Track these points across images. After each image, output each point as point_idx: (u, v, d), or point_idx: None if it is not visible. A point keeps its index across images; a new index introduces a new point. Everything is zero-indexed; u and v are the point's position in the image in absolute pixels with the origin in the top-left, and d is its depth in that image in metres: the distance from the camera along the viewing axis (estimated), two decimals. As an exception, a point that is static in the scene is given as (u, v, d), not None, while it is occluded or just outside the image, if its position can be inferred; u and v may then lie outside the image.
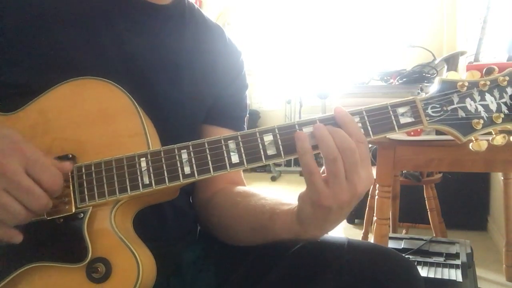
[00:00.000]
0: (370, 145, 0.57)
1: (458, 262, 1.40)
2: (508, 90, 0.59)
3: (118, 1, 0.71)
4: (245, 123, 0.84)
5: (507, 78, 0.59)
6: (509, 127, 0.58)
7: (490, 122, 0.58)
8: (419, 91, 1.31)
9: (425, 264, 1.41)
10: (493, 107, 0.59)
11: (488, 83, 0.59)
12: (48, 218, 0.57)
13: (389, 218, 1.65)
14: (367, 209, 2.19)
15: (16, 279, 0.56)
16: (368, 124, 0.57)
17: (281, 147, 0.57)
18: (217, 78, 0.79)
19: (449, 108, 0.58)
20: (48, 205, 0.54)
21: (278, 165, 4.87)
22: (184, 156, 0.57)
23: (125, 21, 0.71)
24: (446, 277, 1.32)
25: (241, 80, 0.85)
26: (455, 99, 0.59)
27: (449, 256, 1.45)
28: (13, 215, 0.52)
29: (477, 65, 1.40)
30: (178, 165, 0.57)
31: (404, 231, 2.39)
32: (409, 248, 1.52)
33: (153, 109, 0.64)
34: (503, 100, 0.59)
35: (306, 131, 0.56)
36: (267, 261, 0.66)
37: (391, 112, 0.58)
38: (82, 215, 0.57)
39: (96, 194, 0.58)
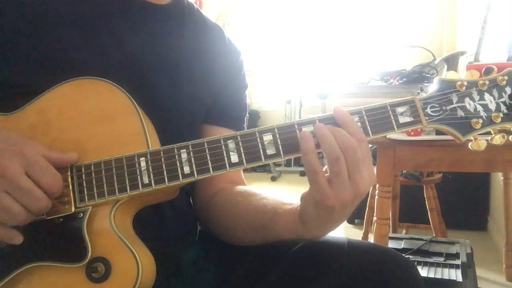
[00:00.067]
0: (370, 145, 0.57)
1: (458, 262, 1.40)
2: (507, 89, 0.59)
3: (118, 1, 0.72)
4: (245, 123, 0.84)
5: (506, 77, 0.59)
6: (508, 126, 0.58)
7: (489, 121, 0.58)
8: (419, 91, 1.31)
9: (425, 264, 1.41)
10: (492, 106, 0.59)
11: (487, 82, 0.59)
12: (48, 218, 0.57)
13: (389, 218, 1.65)
14: (367, 209, 2.19)
15: (16, 279, 0.57)
16: (367, 123, 0.57)
17: (280, 146, 0.57)
18: (216, 77, 0.80)
19: (448, 107, 0.58)
20: (48, 206, 0.55)
21: (278, 165, 4.87)
22: (184, 155, 0.57)
23: (125, 21, 0.71)
24: (446, 277, 1.32)
25: (240, 80, 0.85)
26: (454, 98, 0.59)
27: (449, 256, 1.45)
28: (13, 216, 0.53)
29: (477, 65, 1.40)
30: (178, 164, 0.57)
31: (404, 231, 2.39)
32: (409, 248, 1.52)
33: (152, 109, 0.64)
34: (502, 99, 0.59)
35: (306, 131, 0.56)
36: (267, 261, 0.66)
37: (390, 112, 0.58)
38: (81, 215, 0.57)
39: (95, 194, 0.58)
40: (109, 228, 0.57)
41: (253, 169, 4.77)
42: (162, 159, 0.57)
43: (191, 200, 0.83)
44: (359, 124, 0.57)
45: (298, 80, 4.91)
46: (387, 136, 1.18)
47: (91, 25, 0.69)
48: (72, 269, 0.56)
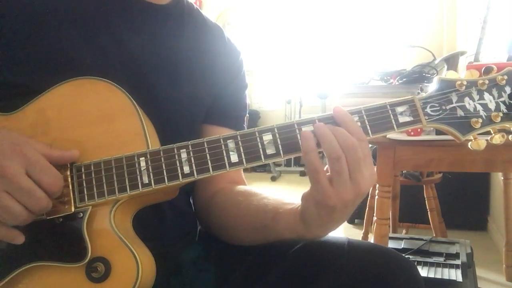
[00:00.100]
0: (370, 145, 0.57)
1: (458, 262, 1.40)
2: (507, 89, 0.59)
3: (118, 1, 0.72)
4: (245, 123, 0.84)
5: (505, 77, 0.59)
6: (507, 126, 0.58)
7: (488, 121, 0.58)
8: (419, 91, 1.31)
9: (425, 264, 1.41)
10: (492, 106, 0.59)
11: (487, 82, 0.59)
12: (48, 218, 0.57)
13: (389, 218, 1.65)
14: (367, 209, 2.19)
15: (16, 279, 0.57)
16: (367, 123, 0.57)
17: (280, 146, 0.57)
18: (216, 77, 0.80)
19: (448, 107, 0.58)
20: (49, 206, 0.55)
21: (278, 165, 4.87)
22: (184, 155, 0.57)
23: (125, 21, 0.71)
24: (446, 277, 1.31)
25: (240, 80, 0.85)
26: (454, 98, 0.59)
27: (449, 256, 1.45)
28: (14, 216, 0.53)
29: (477, 65, 1.39)
30: (178, 164, 0.57)
31: (404, 231, 2.39)
32: (409, 248, 1.52)
33: (152, 108, 0.64)
34: (502, 99, 0.59)
35: (307, 130, 0.56)
36: (267, 261, 0.66)
37: (390, 111, 0.58)
38: (81, 214, 0.57)
39: (95, 194, 0.58)
40: (109, 228, 0.57)
41: (253, 169, 4.78)
42: (162, 159, 0.57)
43: (191, 200, 0.83)
44: (358, 123, 0.57)
45: (298, 80, 4.91)
46: (387, 136, 1.18)
47: (91, 25, 0.69)
48: (72, 269, 0.56)
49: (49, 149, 0.57)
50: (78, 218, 0.57)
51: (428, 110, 0.58)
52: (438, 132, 1.13)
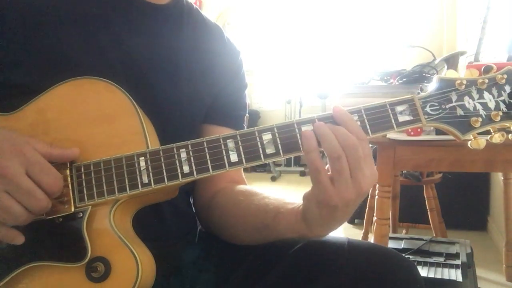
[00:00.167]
0: (370, 145, 0.57)
1: (458, 262, 1.40)
2: (507, 88, 0.59)
3: (117, 1, 0.72)
4: (245, 123, 0.84)
5: (505, 76, 0.59)
6: (507, 125, 0.58)
7: (488, 120, 0.58)
8: (419, 91, 1.31)
9: (425, 264, 1.41)
10: (492, 105, 0.58)
11: (487, 81, 0.59)
12: (47, 218, 0.57)
13: (389, 218, 1.65)
14: (367, 209, 2.19)
15: (16, 279, 0.57)
16: (366, 122, 0.57)
17: (280, 146, 0.57)
18: (216, 77, 0.80)
19: (447, 106, 0.58)
20: (48, 206, 0.55)
21: (278, 165, 4.87)
22: (183, 155, 0.57)
23: (124, 21, 0.71)
24: (446, 277, 1.32)
25: (240, 80, 0.85)
26: (454, 97, 0.59)
27: (449, 256, 1.45)
28: (14, 216, 0.53)
29: (477, 65, 1.39)
30: (177, 164, 0.57)
31: (404, 231, 2.39)
32: (409, 248, 1.52)
33: (152, 108, 0.64)
34: (502, 98, 0.59)
35: (308, 130, 0.56)
36: (267, 261, 0.66)
37: (389, 111, 0.58)
38: (81, 214, 0.57)
39: (95, 194, 0.58)
40: (109, 227, 0.57)
41: (253, 169, 4.78)
42: (162, 158, 0.57)
43: (191, 200, 0.83)
44: (358, 123, 0.57)
45: (298, 80, 4.91)
46: (387, 136, 1.18)
47: (91, 25, 0.69)
48: (72, 269, 0.56)
49: (49, 147, 0.57)
50: (78, 218, 0.57)
51: (427, 109, 0.58)
52: (438, 132, 1.13)
